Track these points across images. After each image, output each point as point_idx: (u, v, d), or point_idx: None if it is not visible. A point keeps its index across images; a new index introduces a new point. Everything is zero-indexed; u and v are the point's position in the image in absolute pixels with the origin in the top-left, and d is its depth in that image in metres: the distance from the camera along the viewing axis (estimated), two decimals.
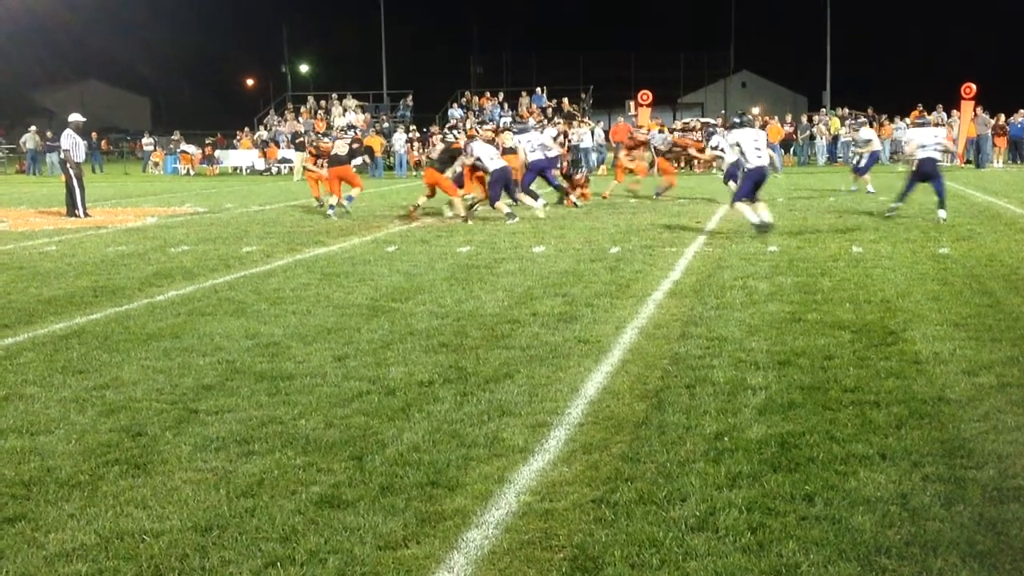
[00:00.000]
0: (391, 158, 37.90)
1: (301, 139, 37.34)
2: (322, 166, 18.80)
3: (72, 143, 19.29)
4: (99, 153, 45.09)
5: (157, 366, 6.71)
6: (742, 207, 13.52)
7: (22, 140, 43.09)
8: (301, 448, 4.98)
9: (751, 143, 13.39)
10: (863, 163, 20.90)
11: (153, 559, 3.73)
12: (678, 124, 36.35)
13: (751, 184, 13.40)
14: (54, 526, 4.06)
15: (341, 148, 18.49)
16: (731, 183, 17.08)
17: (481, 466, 4.67)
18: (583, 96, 43.75)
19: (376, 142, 36.68)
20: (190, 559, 3.73)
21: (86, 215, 18.78)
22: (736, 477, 4.46)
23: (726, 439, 4.98)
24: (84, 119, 20.04)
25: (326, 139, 23.23)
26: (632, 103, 38.21)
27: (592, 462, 4.69)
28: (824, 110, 43.15)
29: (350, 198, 18.51)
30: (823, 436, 5.00)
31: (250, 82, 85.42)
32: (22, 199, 23.60)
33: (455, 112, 40.44)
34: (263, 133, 42.73)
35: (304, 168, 21.15)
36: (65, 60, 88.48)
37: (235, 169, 40.64)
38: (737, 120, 14.37)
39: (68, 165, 19.09)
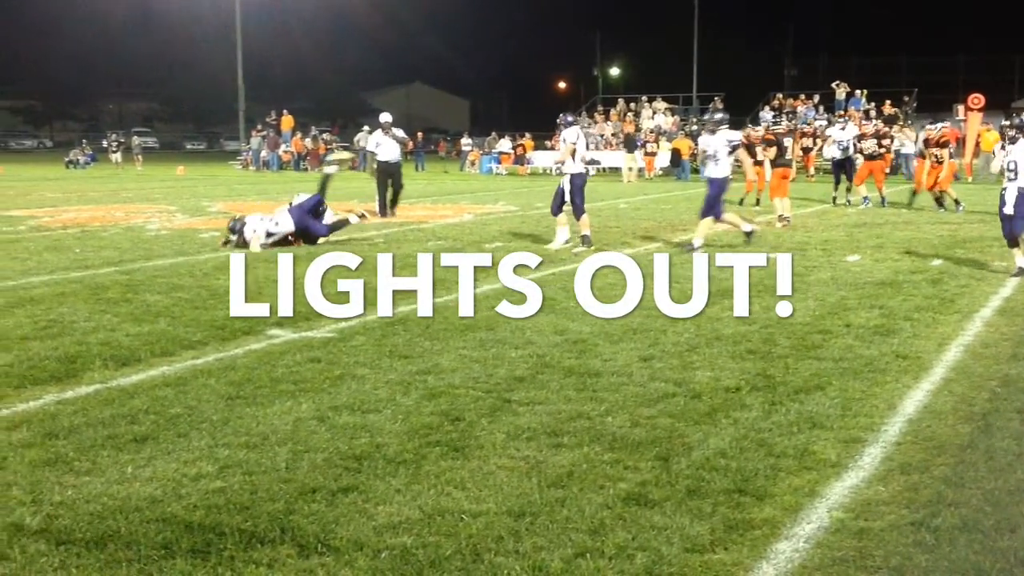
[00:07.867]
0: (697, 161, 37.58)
1: (635, 141, 37.32)
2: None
3: (375, 144, 19.73)
4: (423, 152, 47.86)
5: (473, 356, 7.06)
6: None
7: (356, 138, 46.48)
8: (608, 444, 5.08)
9: None
10: None
11: (471, 538, 3.94)
12: None
13: None
14: (382, 499, 4.38)
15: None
16: None
17: (790, 478, 4.58)
18: (906, 99, 41.45)
19: (684, 145, 36.54)
20: (505, 542, 3.91)
21: (383, 215, 18.65)
22: None
23: None
24: (391, 118, 19.84)
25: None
26: (961, 107, 35.71)
27: (911, 483, 4.47)
28: None
29: (866, 199, 20.58)
30: None
31: (562, 85, 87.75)
32: (354, 194, 25.41)
33: (766, 115, 39.52)
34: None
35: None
36: (393, 64, 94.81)
37: (544, 169, 41.84)
38: None
39: (369, 163, 20.22)
